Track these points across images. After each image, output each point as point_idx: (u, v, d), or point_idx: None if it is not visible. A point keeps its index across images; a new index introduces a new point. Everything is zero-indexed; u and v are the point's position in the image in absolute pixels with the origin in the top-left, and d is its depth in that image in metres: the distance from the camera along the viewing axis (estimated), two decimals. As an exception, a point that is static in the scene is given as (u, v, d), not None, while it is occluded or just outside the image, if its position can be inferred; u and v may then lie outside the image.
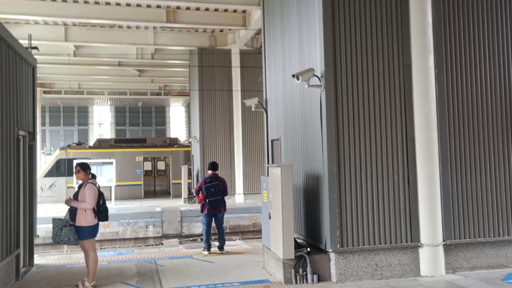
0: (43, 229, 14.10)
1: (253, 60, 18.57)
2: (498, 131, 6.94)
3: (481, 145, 6.85)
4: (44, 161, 29.09)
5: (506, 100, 7.01)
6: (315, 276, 6.22)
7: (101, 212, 6.23)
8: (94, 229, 6.23)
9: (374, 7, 6.58)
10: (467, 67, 6.88)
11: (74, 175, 6.55)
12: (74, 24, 17.37)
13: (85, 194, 6.14)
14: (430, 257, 6.48)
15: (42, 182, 20.39)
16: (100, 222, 6.34)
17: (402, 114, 6.58)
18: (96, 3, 15.14)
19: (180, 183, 19.79)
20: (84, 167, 6.36)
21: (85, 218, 6.11)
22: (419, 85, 6.62)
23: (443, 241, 6.55)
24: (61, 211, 7.07)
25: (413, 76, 6.63)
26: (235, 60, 18.82)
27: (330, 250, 6.25)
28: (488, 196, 6.81)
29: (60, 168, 21.16)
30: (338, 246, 6.20)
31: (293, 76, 6.41)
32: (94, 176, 6.46)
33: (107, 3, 15.20)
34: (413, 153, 6.57)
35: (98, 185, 6.40)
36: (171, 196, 22.08)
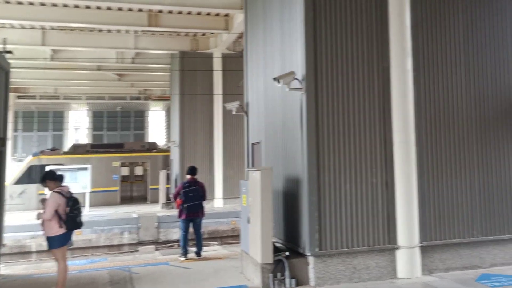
0: (11, 238, 13.67)
1: (235, 63, 18.53)
2: (473, 133, 7.10)
3: (456, 148, 6.99)
4: (14, 168, 28.24)
5: (481, 103, 7.19)
6: (293, 281, 6.16)
7: (67, 220, 5.98)
8: (63, 238, 6.03)
9: (354, 11, 6.66)
10: (443, 70, 7.04)
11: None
12: (52, 28, 17.01)
13: (46, 205, 5.98)
14: (407, 259, 6.53)
15: (11, 189, 19.79)
16: (73, 230, 6.12)
17: (380, 117, 6.65)
18: (76, 6, 14.84)
19: (157, 189, 19.51)
20: (49, 177, 6.16)
21: (51, 228, 5.95)
22: (398, 88, 6.72)
23: (420, 242, 6.61)
24: (31, 219, 6.78)
25: (392, 79, 6.72)
26: (217, 64, 18.78)
27: (308, 254, 6.20)
28: (463, 197, 6.95)
29: (32, 175, 20.60)
30: (317, 250, 6.16)
31: (274, 79, 6.39)
32: (61, 178, 6.22)
33: (87, 7, 14.92)
34: (391, 156, 6.63)
35: (69, 192, 6.16)
36: (148, 202, 21.73)
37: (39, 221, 6.03)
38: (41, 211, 6.03)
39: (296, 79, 6.39)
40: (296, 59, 6.70)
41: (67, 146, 33.25)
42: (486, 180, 7.09)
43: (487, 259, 7.00)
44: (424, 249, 6.66)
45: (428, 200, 6.73)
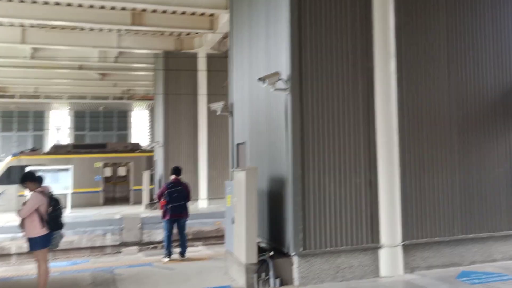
0: None
1: (219, 64, 18.42)
2: (454, 133, 7.23)
3: (438, 147, 7.11)
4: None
5: (462, 104, 7.33)
6: (277, 281, 6.18)
7: (48, 221, 5.92)
8: (45, 239, 5.96)
9: (339, 12, 6.72)
10: (426, 72, 7.14)
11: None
12: (32, 26, 16.61)
13: (27, 203, 5.93)
14: (389, 257, 6.62)
15: None
16: (55, 231, 6.06)
17: (364, 118, 6.72)
18: (57, 3, 14.54)
19: (141, 189, 19.31)
20: (29, 178, 6.10)
21: (33, 228, 5.87)
22: (381, 89, 6.80)
23: (402, 241, 6.71)
24: (10, 220, 6.69)
25: (375, 80, 6.80)
26: (202, 64, 18.66)
27: (293, 254, 6.23)
28: (444, 196, 7.07)
29: (11, 176, 20.19)
30: (301, 249, 6.19)
31: (259, 79, 6.40)
32: (40, 179, 6.16)
33: (69, 4, 14.62)
34: (375, 156, 6.71)
35: (50, 192, 6.11)
36: (131, 203, 21.52)
37: (19, 223, 5.93)
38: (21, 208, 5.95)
39: (281, 79, 6.41)
40: (281, 60, 6.72)
41: (48, 146, 32.66)
42: (467, 179, 7.23)
43: (467, 256, 7.15)
44: (406, 248, 6.76)
45: (410, 200, 6.83)
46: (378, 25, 6.83)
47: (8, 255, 14.03)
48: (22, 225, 5.95)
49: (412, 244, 6.79)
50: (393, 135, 6.81)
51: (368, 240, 6.56)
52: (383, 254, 6.61)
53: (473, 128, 7.37)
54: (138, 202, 20.47)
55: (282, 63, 6.64)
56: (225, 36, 17.16)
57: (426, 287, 6.01)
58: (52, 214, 5.95)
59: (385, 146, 6.74)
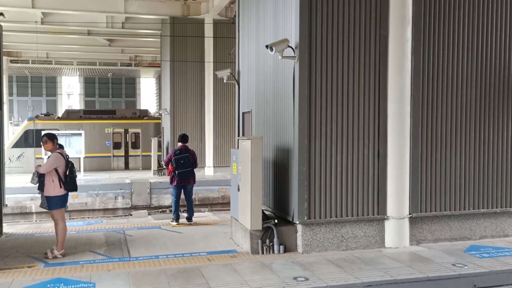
0: (12, 199, 14.10)
1: (226, 30, 18.12)
2: (472, 107, 6.97)
3: (453, 121, 6.89)
4: (12, 132, 28.30)
5: (482, 76, 7.01)
6: (281, 247, 6.28)
7: (67, 181, 6.26)
8: (62, 199, 6.32)
9: (352, -25, 6.43)
10: (445, 40, 6.81)
11: (42, 146, 6.54)
12: (42, -10, 16.50)
13: (46, 162, 6.27)
14: (396, 229, 6.61)
15: (10, 152, 19.91)
16: (69, 193, 6.41)
17: (375, 87, 6.54)
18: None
19: (150, 155, 19.59)
20: (51, 137, 6.40)
21: (53, 188, 6.19)
22: (395, 58, 6.54)
23: (409, 214, 6.69)
24: (29, 181, 7.00)
25: (389, 48, 6.54)
26: (208, 30, 18.30)
27: (297, 222, 6.30)
28: (457, 170, 6.92)
29: (28, 139, 20.79)
30: (306, 218, 6.25)
31: (266, 46, 6.27)
32: (61, 146, 6.52)
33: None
34: (385, 127, 6.58)
35: (67, 155, 6.44)
36: (128, 168, 22.03)
37: (35, 184, 6.24)
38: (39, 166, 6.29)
39: (290, 46, 6.28)
40: (289, 26, 6.54)
41: (60, 111, 33.00)
42: (483, 154, 7.03)
43: (477, 231, 7.09)
44: (413, 220, 6.73)
45: (421, 172, 6.71)
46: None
47: (29, 213, 14.75)
48: (38, 187, 6.24)
49: (420, 217, 6.75)
50: (406, 105, 6.61)
51: (374, 211, 6.54)
52: (389, 225, 6.61)
53: (492, 101, 7.06)
54: (147, 168, 20.84)
55: (291, 30, 6.46)
56: (232, 1, 16.74)
57: (432, 259, 6.01)
58: (70, 175, 6.27)
59: (397, 116, 6.57)
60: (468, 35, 6.95)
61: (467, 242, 6.95)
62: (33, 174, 6.25)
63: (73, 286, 5.01)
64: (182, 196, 8.91)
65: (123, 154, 22.41)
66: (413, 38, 6.63)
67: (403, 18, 6.57)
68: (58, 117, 22.68)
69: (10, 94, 33.23)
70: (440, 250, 6.48)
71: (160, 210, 15.02)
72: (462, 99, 6.95)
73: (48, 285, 5.05)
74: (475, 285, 5.39)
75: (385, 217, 6.60)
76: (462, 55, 6.94)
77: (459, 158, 6.94)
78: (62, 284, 5.08)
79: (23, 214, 14.71)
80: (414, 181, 6.68)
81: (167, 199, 15.42)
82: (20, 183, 15.34)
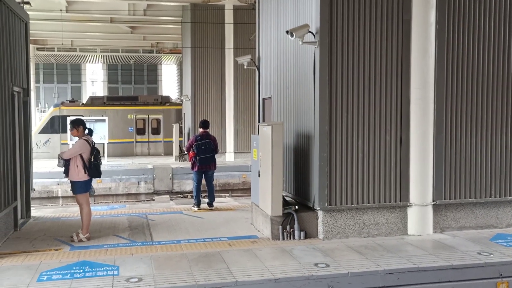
0: (39, 184, 14.45)
1: (246, 16, 18.00)
2: (498, 93, 6.75)
3: (478, 107, 6.69)
4: (39, 118, 29.10)
5: (509, 62, 6.77)
6: (302, 233, 6.30)
7: (91, 168, 6.38)
8: (86, 184, 6.46)
9: (374, -43, 6.25)
10: (470, 25, 6.58)
11: (69, 132, 6.68)
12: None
13: (71, 148, 6.42)
14: (418, 216, 6.53)
15: (37, 138, 20.46)
16: (93, 179, 6.54)
17: (398, 73, 6.40)
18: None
19: (171, 141, 19.82)
20: (76, 124, 6.49)
21: (77, 174, 6.34)
22: (418, 42, 6.38)
23: (433, 201, 6.57)
24: (56, 167, 7.21)
25: (412, 33, 6.37)
26: (229, 17, 18.21)
27: (318, 208, 6.28)
28: (482, 157, 6.74)
29: (55, 125, 21.26)
30: (326, 205, 6.23)
31: (287, 32, 6.19)
32: (90, 132, 6.62)
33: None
34: (407, 113, 6.45)
35: (93, 142, 6.54)
36: (149, 154, 22.32)
37: (61, 167, 6.42)
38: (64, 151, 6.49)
39: (310, 32, 6.18)
40: (310, 12, 6.42)
41: (85, 98, 33.73)
42: (509, 140, 6.83)
43: (504, 219, 6.92)
44: (437, 208, 6.62)
45: (445, 159, 6.56)
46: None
47: (56, 197, 15.24)
48: (65, 170, 6.40)
49: (444, 204, 6.62)
50: (429, 91, 6.45)
51: (396, 198, 6.46)
52: (411, 212, 6.52)
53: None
54: (168, 153, 21.12)
55: (312, 15, 6.34)
56: (253, -13, 16.57)
57: (456, 247, 5.89)
58: (94, 162, 6.39)
59: (420, 102, 6.42)
60: (494, 19, 6.69)
61: (493, 230, 6.79)
62: (58, 157, 6.43)
63: (97, 269, 5.15)
64: (203, 181, 9.01)
65: (147, 139, 22.72)
66: (437, 22, 6.41)
67: (427, 2, 6.37)
68: (83, 104, 23.13)
69: (37, 81, 34.16)
70: (464, 238, 6.36)
71: (181, 195, 15.24)
72: (487, 85, 6.72)
73: (74, 268, 5.21)
74: (501, 274, 5.27)
75: (408, 204, 6.51)
76: (489, 40, 6.69)
77: (484, 144, 6.75)
78: (87, 267, 5.23)
79: (50, 198, 15.18)
80: (437, 168, 6.55)
81: (189, 185, 15.61)
82: (46, 168, 15.79)
